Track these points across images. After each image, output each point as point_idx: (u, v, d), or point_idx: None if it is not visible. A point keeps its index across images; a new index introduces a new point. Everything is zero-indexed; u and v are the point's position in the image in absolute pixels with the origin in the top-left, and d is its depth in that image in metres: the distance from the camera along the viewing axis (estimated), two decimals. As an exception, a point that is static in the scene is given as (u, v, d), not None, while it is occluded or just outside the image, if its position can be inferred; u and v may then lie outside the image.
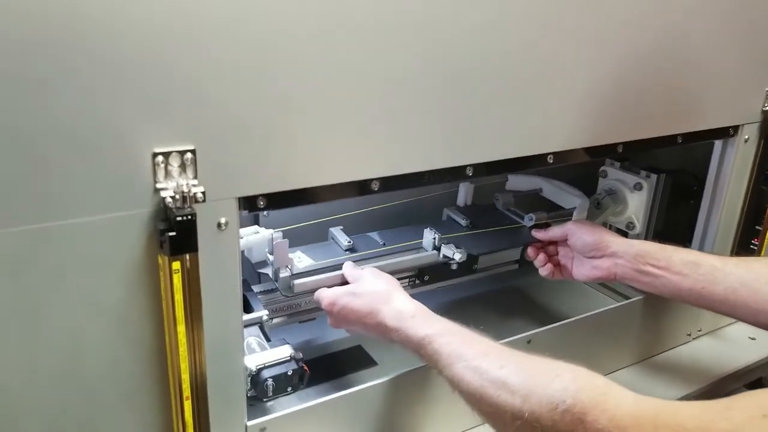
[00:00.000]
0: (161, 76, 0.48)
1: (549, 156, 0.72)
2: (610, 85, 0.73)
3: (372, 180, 0.61)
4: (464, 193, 1.00)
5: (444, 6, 0.58)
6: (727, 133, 0.88)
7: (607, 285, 1.08)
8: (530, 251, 0.90)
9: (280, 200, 0.57)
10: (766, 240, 0.95)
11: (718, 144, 0.91)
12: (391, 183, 0.62)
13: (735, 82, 0.85)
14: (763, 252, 0.96)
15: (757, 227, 0.94)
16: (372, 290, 0.70)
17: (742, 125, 0.89)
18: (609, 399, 0.48)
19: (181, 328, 0.52)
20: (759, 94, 0.89)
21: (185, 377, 0.53)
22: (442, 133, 0.64)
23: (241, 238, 0.57)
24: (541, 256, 0.88)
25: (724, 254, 0.97)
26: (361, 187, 0.61)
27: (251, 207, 0.55)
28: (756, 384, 1.01)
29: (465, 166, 0.66)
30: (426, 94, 0.61)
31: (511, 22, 0.63)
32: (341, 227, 0.86)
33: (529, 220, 0.99)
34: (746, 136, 0.90)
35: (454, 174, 0.66)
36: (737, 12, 0.81)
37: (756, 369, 0.97)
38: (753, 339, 1.01)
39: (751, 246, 0.95)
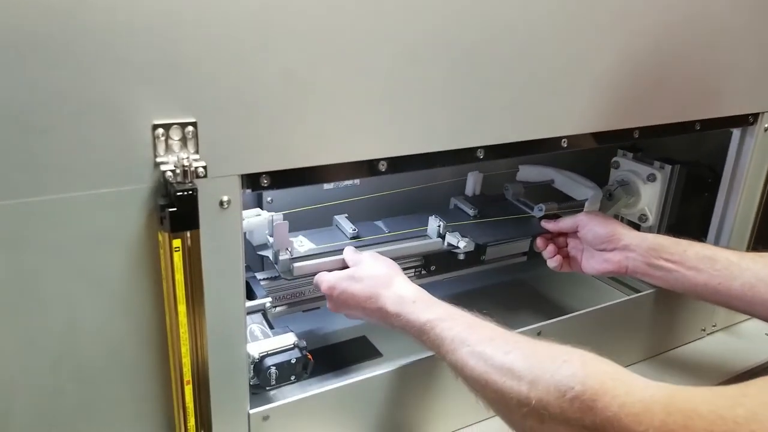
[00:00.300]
0: (161, 44, 0.46)
1: (563, 140, 0.69)
2: (627, 68, 0.71)
3: (380, 160, 0.59)
4: (473, 182, 0.98)
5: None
6: (746, 121, 0.85)
7: (618, 279, 1.06)
8: (539, 242, 0.88)
9: (284, 179, 0.55)
10: (783, 234, 0.93)
11: (736, 133, 0.89)
12: (399, 164, 0.60)
13: (756, 69, 0.83)
14: (780, 246, 0.94)
15: (774, 220, 0.92)
16: (372, 274, 0.68)
17: (762, 113, 0.86)
18: (619, 385, 0.46)
19: (182, 309, 0.50)
20: (779, 81, 0.86)
21: (186, 361, 0.51)
22: (452, 113, 0.61)
23: (243, 218, 0.56)
24: (551, 247, 0.86)
25: (741, 249, 0.94)
26: (369, 168, 0.59)
27: (254, 185, 0.54)
28: (771, 382, 0.98)
29: (476, 148, 0.64)
30: (436, 71, 0.59)
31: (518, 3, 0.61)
32: (346, 215, 0.84)
33: (538, 210, 0.96)
34: (766, 125, 0.87)
35: (464, 156, 0.64)
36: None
37: (772, 366, 0.95)
38: (768, 335, 0.99)
39: (768, 240, 0.93)
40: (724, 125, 0.84)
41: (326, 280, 0.70)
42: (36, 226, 0.46)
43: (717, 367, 0.90)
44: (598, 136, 0.73)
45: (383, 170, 0.59)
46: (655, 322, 0.89)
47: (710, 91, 0.80)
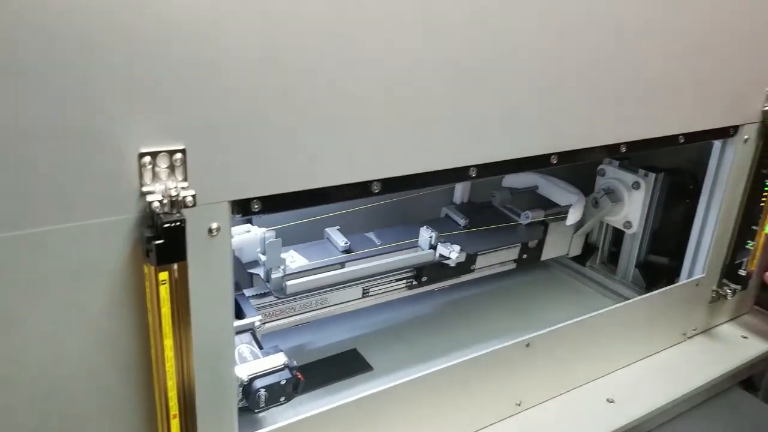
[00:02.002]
0: (148, 68, 0.44)
1: (552, 156, 0.69)
2: (612, 85, 0.71)
3: (372, 182, 0.58)
4: (461, 190, 0.97)
5: (445, 7, 0.55)
6: (727, 133, 0.87)
7: (603, 284, 1.07)
8: None
9: (275, 204, 0.53)
10: (761, 241, 0.94)
11: (717, 144, 0.90)
12: (392, 185, 0.59)
13: (735, 83, 0.84)
14: (758, 253, 0.95)
15: (753, 227, 0.93)
16: None
17: (742, 125, 0.87)
18: None
19: (168, 342, 0.48)
20: (759, 94, 0.87)
21: (172, 394, 0.49)
22: (444, 134, 0.60)
23: (232, 237, 0.54)
24: None
25: (720, 254, 0.96)
26: (361, 190, 0.58)
27: (245, 211, 0.52)
28: (747, 382, 1.01)
29: (468, 167, 0.63)
30: (428, 93, 0.58)
31: (513, 20, 0.60)
32: (338, 227, 0.83)
33: (525, 217, 0.97)
34: (746, 136, 0.88)
35: (457, 175, 0.63)
36: (738, 13, 0.79)
37: (748, 368, 0.97)
38: (745, 338, 1.01)
39: (747, 246, 0.94)
40: (706, 138, 0.85)
41: None
42: (17, 260, 0.43)
43: (699, 370, 0.92)
44: (586, 152, 0.73)
45: (376, 191, 0.58)
46: (640, 328, 0.91)
47: (692, 105, 0.80)
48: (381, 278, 0.81)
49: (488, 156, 0.64)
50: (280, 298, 0.72)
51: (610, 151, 0.75)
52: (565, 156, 0.71)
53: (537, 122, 0.66)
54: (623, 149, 0.76)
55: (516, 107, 0.64)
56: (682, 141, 0.82)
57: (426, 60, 0.56)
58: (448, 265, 0.85)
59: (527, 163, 0.67)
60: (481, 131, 0.62)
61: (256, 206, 0.52)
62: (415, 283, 0.84)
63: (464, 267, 0.87)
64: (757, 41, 0.83)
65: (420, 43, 0.55)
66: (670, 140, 0.81)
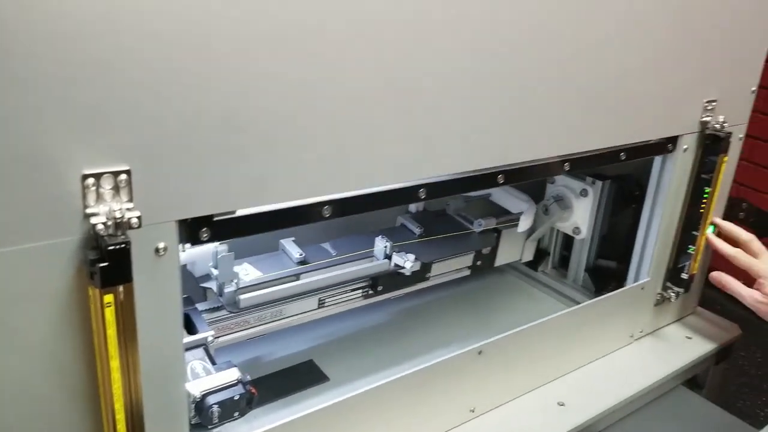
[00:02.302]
0: (90, 87, 0.43)
1: (499, 176, 0.71)
2: (548, 99, 0.72)
3: (324, 204, 0.58)
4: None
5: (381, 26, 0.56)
6: (666, 149, 0.90)
7: (555, 288, 1.10)
8: None
9: (225, 230, 0.53)
10: (701, 245, 0.99)
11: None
12: (343, 207, 0.60)
13: (674, 95, 0.87)
14: (699, 257, 1.00)
15: (693, 233, 0.98)
16: None
17: (681, 135, 0.91)
18: None
19: (115, 364, 0.48)
20: (697, 105, 0.91)
21: (120, 417, 0.49)
22: (397, 151, 0.62)
23: (183, 251, 0.54)
24: None
25: (664, 259, 1.00)
26: (310, 213, 0.58)
27: (194, 240, 0.52)
28: (692, 381, 1.05)
29: (418, 187, 0.64)
30: (379, 110, 0.59)
31: (453, 38, 0.61)
32: (293, 238, 0.83)
33: (478, 225, 0.99)
34: (685, 146, 0.92)
35: (407, 196, 0.64)
36: (674, 27, 0.82)
37: (693, 367, 1.01)
38: (689, 338, 1.05)
39: (688, 251, 0.99)
40: (647, 154, 0.89)
41: None
42: (-49, 286, 0.43)
43: (645, 371, 0.95)
44: (530, 171, 0.75)
45: (327, 215, 0.58)
46: (588, 332, 0.93)
47: (631, 117, 0.83)
48: (337, 289, 0.82)
49: (439, 170, 0.65)
50: (233, 312, 0.72)
51: (553, 169, 0.78)
52: (511, 175, 0.73)
53: (480, 137, 0.68)
54: (567, 167, 0.78)
55: (453, 123, 0.65)
56: (624, 158, 0.85)
57: (367, 81, 0.57)
58: (403, 274, 0.86)
59: (474, 183, 0.69)
60: (427, 149, 0.64)
61: (205, 235, 0.52)
62: (371, 292, 0.85)
63: (419, 275, 0.89)
64: (694, 53, 0.87)
65: (361, 66, 0.56)
66: (612, 156, 0.84)
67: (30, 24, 0.40)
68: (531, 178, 0.76)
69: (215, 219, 0.53)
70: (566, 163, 0.78)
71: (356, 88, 0.57)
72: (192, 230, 0.52)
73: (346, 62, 0.55)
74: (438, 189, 0.66)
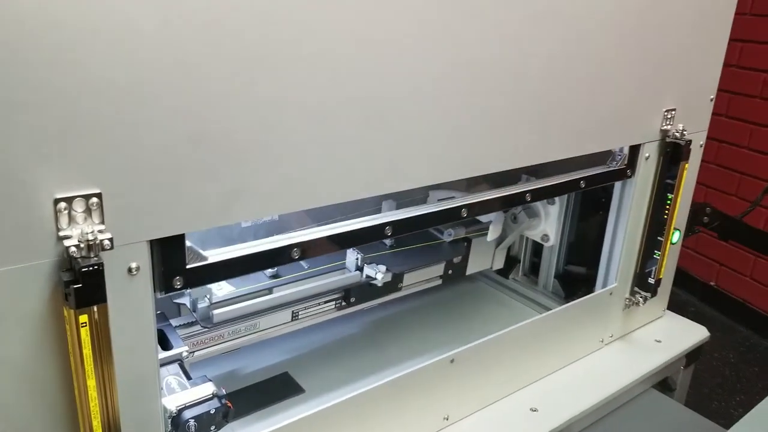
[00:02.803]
0: (59, 114, 0.45)
1: (462, 209, 0.75)
2: (510, 111, 0.75)
3: (293, 247, 0.61)
4: (387, 209, 1.01)
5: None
6: (625, 174, 0.94)
7: (526, 295, 1.13)
8: None
9: (198, 277, 0.56)
10: (666, 250, 1.02)
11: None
12: (309, 249, 0.63)
13: (633, 105, 0.91)
14: (665, 262, 1.03)
15: (659, 238, 1.01)
16: None
17: (643, 144, 0.95)
18: None
19: (91, 383, 0.49)
20: (657, 115, 0.95)
21: (97, 434, 0.50)
22: (356, 167, 0.64)
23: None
24: None
25: (630, 264, 1.03)
26: (280, 256, 0.61)
27: (168, 288, 0.54)
28: (663, 383, 1.08)
29: (384, 225, 0.68)
30: (342, 127, 0.61)
31: (410, 54, 0.63)
32: (264, 253, 0.84)
33: (448, 235, 1.01)
34: (647, 154, 0.96)
35: (375, 233, 0.68)
36: (631, 40, 0.85)
37: (663, 370, 1.04)
38: (659, 341, 1.08)
39: (654, 256, 1.02)
40: (606, 180, 0.93)
41: None
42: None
43: (616, 375, 0.97)
44: (492, 204, 0.78)
45: (296, 257, 0.61)
46: (558, 338, 0.96)
47: (593, 127, 0.86)
48: (310, 301, 0.83)
49: (402, 185, 0.68)
50: (207, 327, 0.73)
51: (517, 200, 0.81)
52: (472, 208, 0.77)
53: (442, 151, 0.70)
54: (528, 197, 0.82)
55: (415, 140, 0.68)
56: (583, 186, 0.89)
57: (334, 95, 0.59)
58: (375, 285, 0.88)
59: (438, 218, 0.74)
60: (390, 164, 0.66)
61: (178, 283, 0.54)
62: (344, 304, 0.87)
63: (392, 286, 0.91)
64: (650, 67, 0.90)
65: (326, 87, 0.58)
66: (572, 186, 0.88)
67: None
68: (494, 210, 0.79)
69: (188, 267, 0.55)
70: (528, 194, 0.81)
71: (321, 108, 0.59)
72: (165, 278, 0.53)
73: (310, 84, 0.57)
74: (403, 226, 0.70)
